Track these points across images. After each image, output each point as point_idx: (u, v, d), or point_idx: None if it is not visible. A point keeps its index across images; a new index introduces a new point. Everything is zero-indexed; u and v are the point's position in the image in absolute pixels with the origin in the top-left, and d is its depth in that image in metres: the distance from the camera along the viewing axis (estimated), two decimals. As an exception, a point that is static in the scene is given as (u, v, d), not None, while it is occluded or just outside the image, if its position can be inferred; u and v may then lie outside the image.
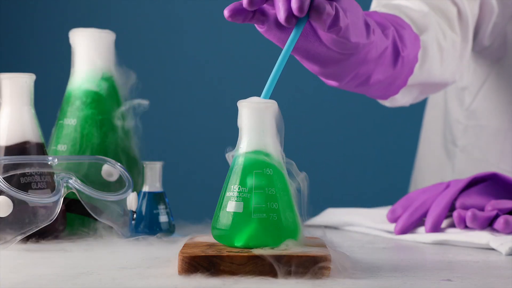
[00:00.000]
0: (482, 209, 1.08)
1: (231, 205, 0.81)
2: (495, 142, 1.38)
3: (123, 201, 1.05)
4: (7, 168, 0.98)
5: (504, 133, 1.36)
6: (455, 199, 1.11)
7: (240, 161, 0.83)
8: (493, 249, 1.00)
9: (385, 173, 2.40)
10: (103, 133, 1.13)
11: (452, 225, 1.10)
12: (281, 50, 0.86)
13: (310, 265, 0.78)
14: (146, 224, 1.08)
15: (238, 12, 0.87)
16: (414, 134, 2.03)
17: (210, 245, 0.83)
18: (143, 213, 1.08)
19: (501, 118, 1.36)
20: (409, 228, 1.10)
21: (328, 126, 2.41)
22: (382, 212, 1.19)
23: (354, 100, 2.33)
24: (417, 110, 2.11)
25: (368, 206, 1.27)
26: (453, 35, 1.23)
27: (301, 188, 0.84)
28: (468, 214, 1.05)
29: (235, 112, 0.84)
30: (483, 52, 1.36)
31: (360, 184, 2.41)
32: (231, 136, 0.85)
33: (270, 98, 0.83)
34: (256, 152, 0.82)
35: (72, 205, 1.05)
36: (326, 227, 1.23)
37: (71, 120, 1.13)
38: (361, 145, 2.42)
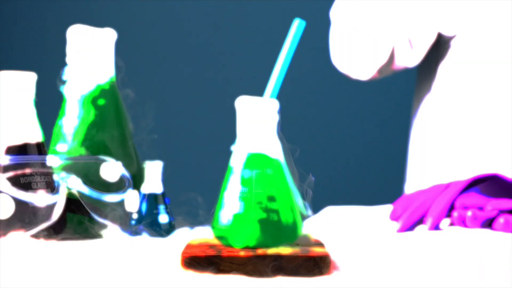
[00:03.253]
0: (482, 209, 1.08)
1: (231, 205, 0.81)
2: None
3: (123, 201, 1.05)
4: (7, 168, 0.98)
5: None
6: (455, 199, 1.11)
7: (240, 161, 0.83)
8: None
9: (385, 172, 2.40)
10: (103, 133, 1.13)
11: (452, 225, 1.10)
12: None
13: (310, 265, 0.78)
14: (146, 224, 1.08)
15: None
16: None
17: (210, 245, 0.83)
18: (143, 213, 1.08)
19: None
20: (409, 228, 1.10)
21: (328, 125, 2.41)
22: (382, 212, 1.19)
23: (354, 100, 2.33)
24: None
25: (368, 205, 1.27)
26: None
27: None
28: (468, 214, 1.05)
29: (235, 112, 0.84)
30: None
31: (359, 183, 2.41)
32: (231, 136, 0.85)
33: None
34: (256, 152, 0.82)
35: (72, 205, 1.05)
36: (326, 226, 1.23)
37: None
38: (361, 144, 2.42)
